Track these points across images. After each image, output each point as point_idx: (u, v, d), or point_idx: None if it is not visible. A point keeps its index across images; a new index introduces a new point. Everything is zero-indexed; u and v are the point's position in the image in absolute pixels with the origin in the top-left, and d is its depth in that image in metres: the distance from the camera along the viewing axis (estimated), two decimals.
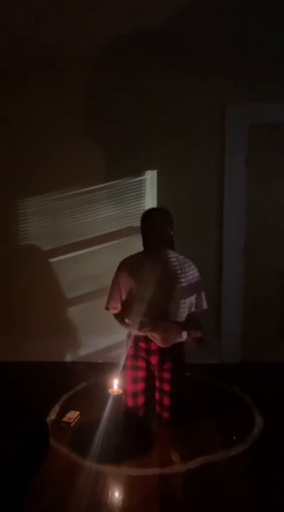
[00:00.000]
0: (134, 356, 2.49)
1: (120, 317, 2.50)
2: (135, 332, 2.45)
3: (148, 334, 2.42)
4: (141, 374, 2.47)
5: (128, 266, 2.48)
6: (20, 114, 3.29)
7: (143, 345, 2.47)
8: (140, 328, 2.40)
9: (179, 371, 2.46)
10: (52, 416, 2.54)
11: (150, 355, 2.47)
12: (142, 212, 2.58)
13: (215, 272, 3.30)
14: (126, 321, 2.44)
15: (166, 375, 2.44)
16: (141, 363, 2.48)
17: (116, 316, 2.54)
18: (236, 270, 3.33)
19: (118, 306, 2.51)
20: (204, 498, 1.87)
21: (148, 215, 2.49)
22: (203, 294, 2.51)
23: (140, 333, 2.44)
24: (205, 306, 2.52)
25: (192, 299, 2.47)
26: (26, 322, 3.43)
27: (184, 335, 2.46)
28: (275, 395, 2.84)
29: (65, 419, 2.46)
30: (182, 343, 2.48)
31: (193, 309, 2.48)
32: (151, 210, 2.58)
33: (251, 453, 2.18)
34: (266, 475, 2.02)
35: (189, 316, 2.45)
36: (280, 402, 2.72)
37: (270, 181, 3.31)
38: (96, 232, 3.34)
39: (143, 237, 2.50)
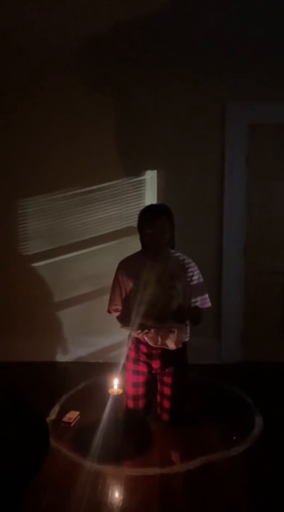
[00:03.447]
0: (135, 360, 2.46)
1: (123, 319, 2.44)
2: (136, 335, 2.38)
3: (151, 341, 2.37)
4: (142, 379, 2.45)
5: (128, 266, 2.42)
6: (20, 115, 3.28)
7: (144, 349, 2.42)
8: (141, 330, 2.32)
9: (180, 375, 2.42)
10: (52, 416, 2.54)
11: (151, 359, 2.42)
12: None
13: (215, 271, 3.30)
14: (128, 324, 2.35)
15: (167, 379, 2.41)
16: (142, 368, 2.45)
17: (118, 318, 2.48)
18: (236, 270, 3.33)
19: (120, 308, 2.46)
20: (204, 498, 1.87)
21: (147, 213, 2.34)
22: (206, 293, 2.42)
23: (141, 336, 2.38)
24: (209, 304, 2.43)
25: (195, 298, 2.38)
26: (26, 322, 3.42)
27: (188, 335, 2.43)
28: (275, 395, 2.84)
29: (65, 419, 2.46)
30: (184, 344, 2.44)
31: (198, 304, 2.40)
32: (150, 208, 2.40)
33: (251, 453, 2.18)
34: (266, 475, 2.02)
35: (194, 309, 2.39)
36: (280, 402, 2.72)
37: (270, 181, 3.31)
38: (96, 232, 3.34)
39: (141, 237, 2.38)
